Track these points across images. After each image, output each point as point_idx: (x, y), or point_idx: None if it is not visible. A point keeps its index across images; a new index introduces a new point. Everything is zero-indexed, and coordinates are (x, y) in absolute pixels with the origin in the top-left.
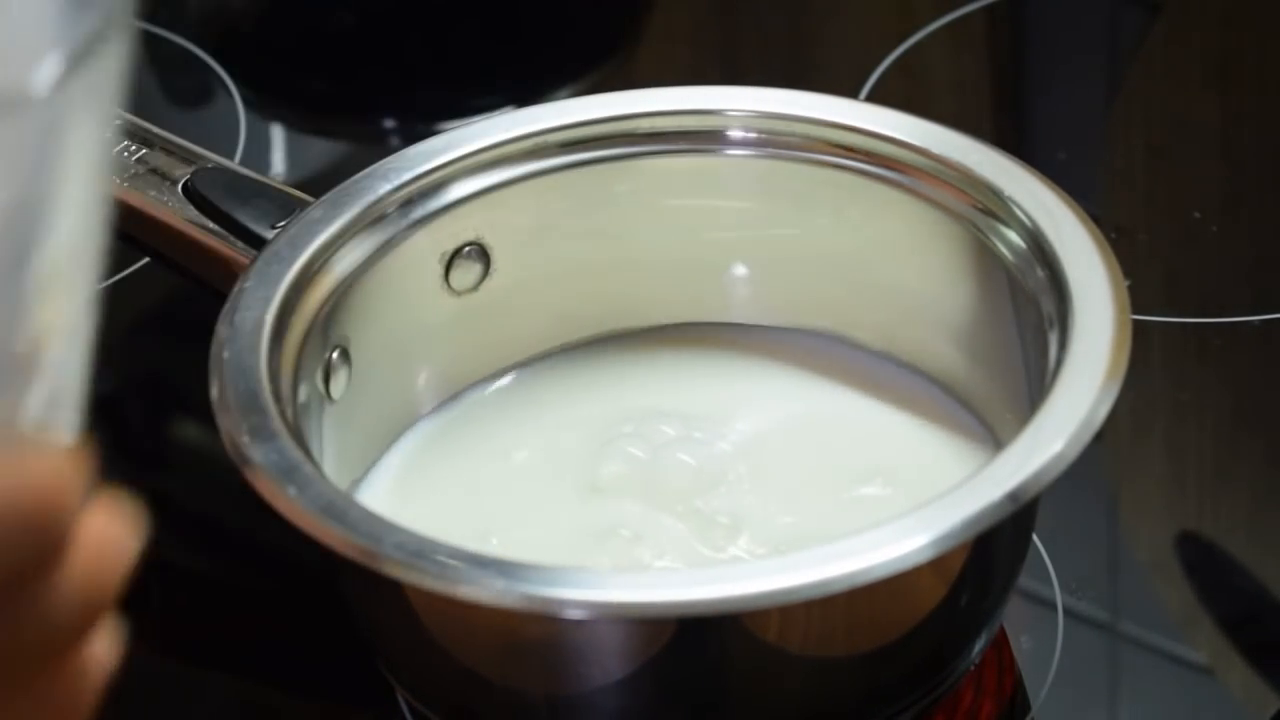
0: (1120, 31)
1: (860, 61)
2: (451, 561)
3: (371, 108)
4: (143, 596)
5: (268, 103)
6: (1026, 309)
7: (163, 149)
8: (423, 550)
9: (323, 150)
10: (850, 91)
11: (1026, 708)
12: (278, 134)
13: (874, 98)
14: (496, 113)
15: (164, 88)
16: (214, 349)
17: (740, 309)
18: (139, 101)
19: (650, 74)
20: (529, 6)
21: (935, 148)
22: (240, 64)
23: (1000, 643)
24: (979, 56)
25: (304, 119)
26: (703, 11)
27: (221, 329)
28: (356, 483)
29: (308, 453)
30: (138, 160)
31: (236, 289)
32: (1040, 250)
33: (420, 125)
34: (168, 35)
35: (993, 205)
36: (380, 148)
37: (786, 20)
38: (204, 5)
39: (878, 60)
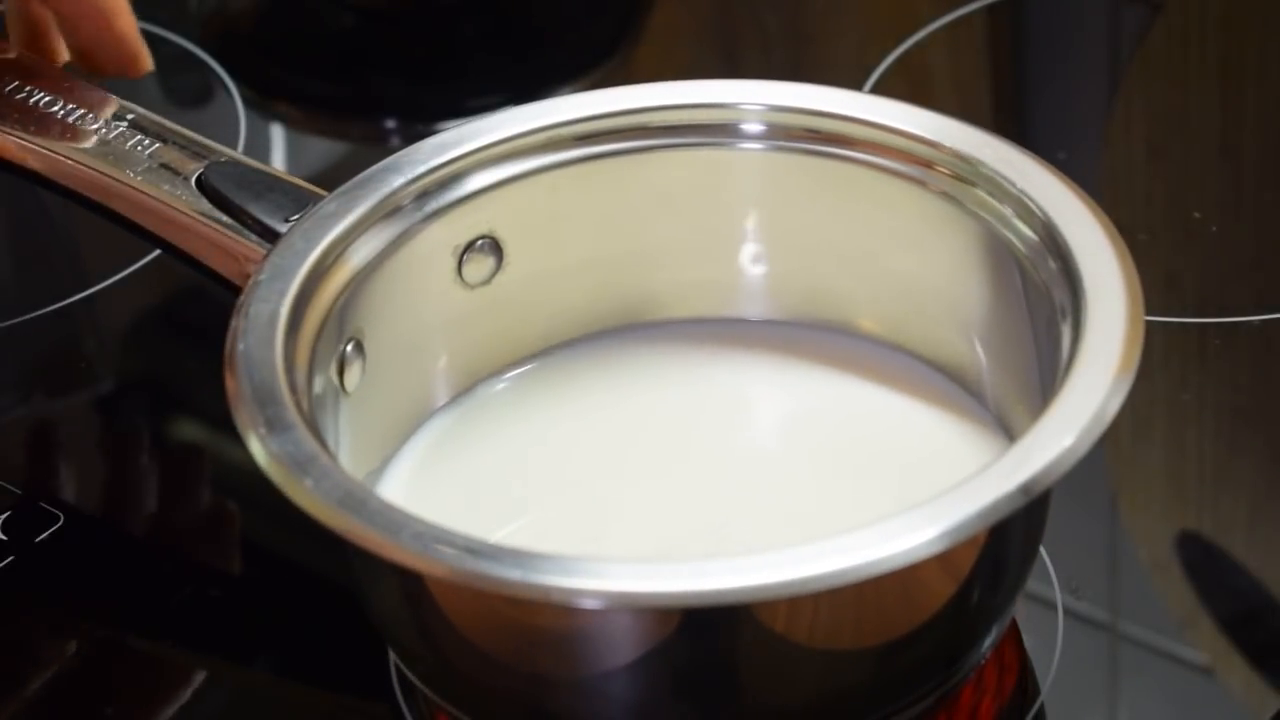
0: (1120, 31)
1: (860, 61)
2: (469, 552)
3: (372, 107)
4: (148, 592)
5: (268, 103)
6: (1039, 301)
7: (176, 143)
8: (441, 541)
9: (323, 150)
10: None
11: (1027, 707)
12: (278, 134)
13: None
14: (497, 112)
15: (164, 88)
16: (229, 341)
17: (752, 302)
18: (139, 101)
19: (650, 73)
20: (529, 6)
21: (947, 141)
22: (240, 64)
23: (1001, 641)
24: (979, 56)
25: (304, 119)
26: (703, 11)
27: (236, 322)
28: (374, 474)
29: (324, 444)
30: (150, 154)
31: (251, 282)
32: (1053, 242)
33: (420, 125)
34: (168, 35)
35: (1005, 198)
36: (380, 147)
37: (786, 20)
38: (204, 5)
39: (878, 60)
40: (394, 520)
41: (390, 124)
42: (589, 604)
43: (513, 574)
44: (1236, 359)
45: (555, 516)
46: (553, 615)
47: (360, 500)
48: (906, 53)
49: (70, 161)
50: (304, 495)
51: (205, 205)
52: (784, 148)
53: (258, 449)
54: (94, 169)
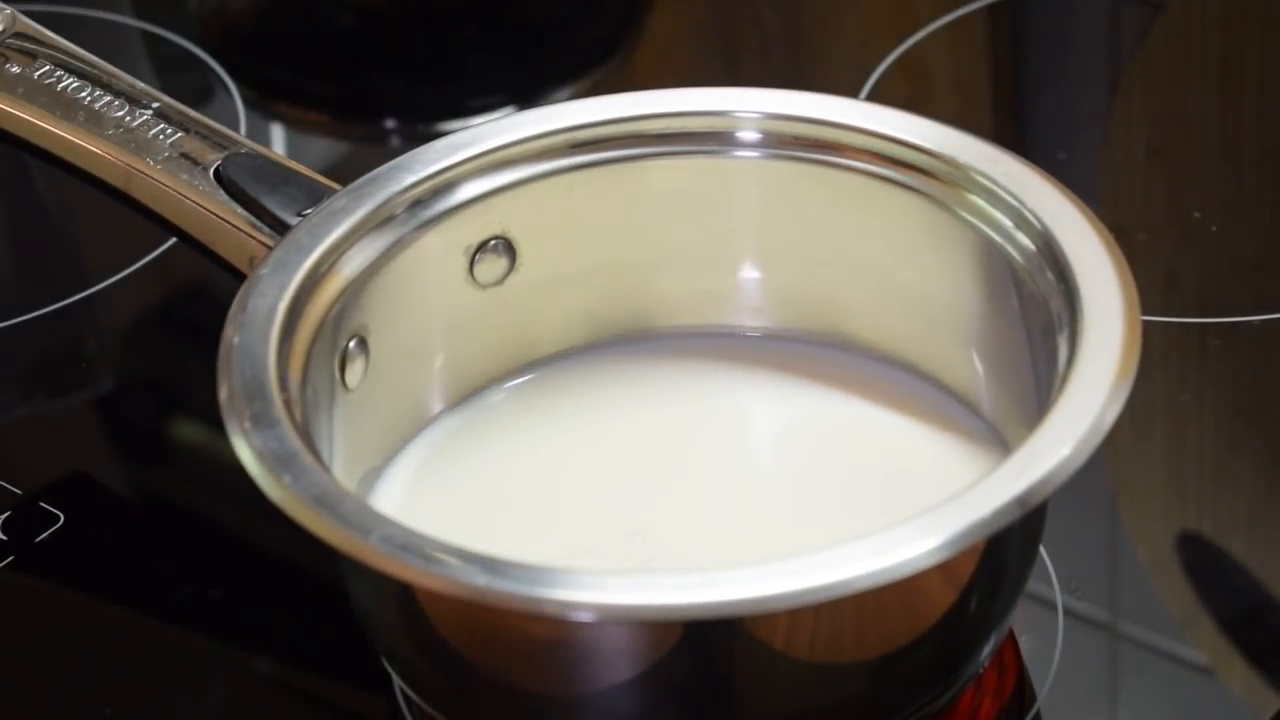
0: (1120, 31)
1: (860, 61)
2: (437, 556)
3: (372, 108)
4: (148, 592)
5: (268, 103)
6: (1035, 312)
7: (198, 133)
8: (409, 544)
9: (323, 150)
10: (850, 91)
11: (1027, 707)
12: (278, 134)
13: (874, 98)
14: (497, 113)
15: (164, 88)
16: (225, 335)
17: (751, 311)
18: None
19: (650, 74)
20: (529, 6)
21: (946, 150)
22: (240, 64)
23: (1001, 642)
24: (979, 56)
25: (304, 119)
26: (703, 11)
27: (234, 316)
28: (376, 471)
29: (309, 442)
30: (172, 144)
31: (252, 276)
32: (1050, 253)
33: (420, 125)
34: (168, 35)
35: (1003, 208)
36: (380, 148)
37: (786, 20)
38: (204, 5)
39: (878, 60)
40: (365, 521)
41: (390, 124)
42: (554, 614)
43: (479, 581)
44: (1236, 359)
45: (549, 527)
46: (528, 625)
47: (335, 500)
48: (906, 53)
49: (92, 148)
50: (279, 491)
51: (222, 196)
52: (786, 157)
53: (240, 443)
54: (115, 157)
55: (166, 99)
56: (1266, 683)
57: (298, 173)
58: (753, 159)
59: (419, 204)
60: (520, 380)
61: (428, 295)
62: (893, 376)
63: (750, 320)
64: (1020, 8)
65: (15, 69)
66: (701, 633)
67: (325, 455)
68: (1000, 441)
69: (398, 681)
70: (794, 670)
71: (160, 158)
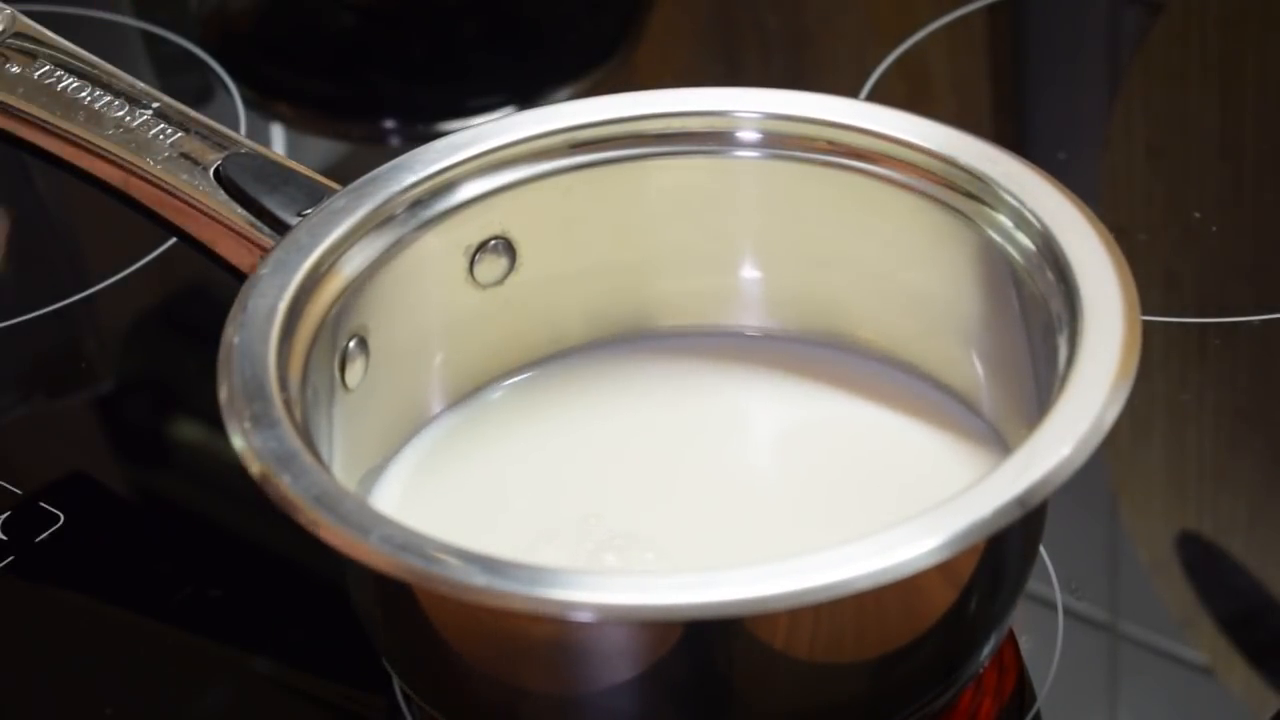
0: (1120, 31)
1: (860, 61)
2: (437, 556)
3: (371, 108)
4: (147, 592)
5: (268, 103)
6: (1035, 312)
7: (198, 133)
8: (409, 544)
9: (323, 150)
10: (850, 91)
11: (1027, 707)
12: (278, 134)
13: (874, 98)
14: (497, 113)
15: (164, 88)
16: (225, 335)
17: (752, 312)
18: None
19: (650, 74)
20: (529, 6)
21: (946, 150)
22: (240, 64)
23: (1001, 642)
24: (979, 56)
25: (304, 119)
26: (703, 11)
27: (234, 316)
28: (375, 471)
29: (309, 442)
30: (172, 144)
31: (252, 276)
32: (1050, 253)
33: (420, 125)
34: (168, 35)
35: (1003, 208)
36: (380, 148)
37: (786, 20)
38: (204, 5)
39: (878, 60)
40: (365, 521)
41: (390, 124)
42: (548, 613)
43: (479, 581)
44: (1236, 359)
45: (549, 526)
46: (522, 625)
47: (335, 500)
48: (906, 53)
49: (92, 148)
50: (279, 491)
51: (222, 196)
52: (788, 157)
53: (240, 444)
54: (115, 156)
55: (166, 99)
56: (1266, 683)
57: (298, 173)
58: (753, 159)
59: (419, 204)
60: (519, 378)
61: (427, 295)
62: (892, 377)
63: (750, 320)
64: (1020, 8)
65: (15, 69)
66: (701, 633)
67: (325, 455)
68: (1000, 442)
69: (398, 681)
70: (794, 670)
71: (160, 158)
